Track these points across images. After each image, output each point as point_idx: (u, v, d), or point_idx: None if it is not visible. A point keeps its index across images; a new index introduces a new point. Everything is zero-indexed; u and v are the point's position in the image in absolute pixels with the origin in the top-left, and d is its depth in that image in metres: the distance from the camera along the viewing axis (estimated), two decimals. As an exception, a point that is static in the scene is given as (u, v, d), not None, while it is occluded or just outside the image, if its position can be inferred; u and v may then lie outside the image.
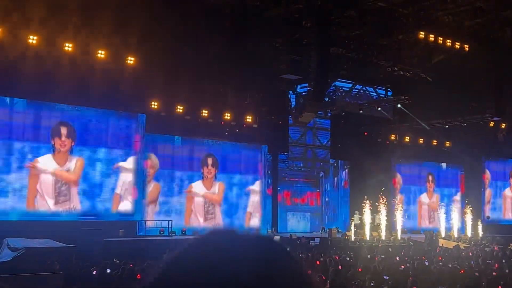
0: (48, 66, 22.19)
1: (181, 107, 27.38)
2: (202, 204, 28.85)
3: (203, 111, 28.16)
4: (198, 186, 28.80)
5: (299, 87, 31.92)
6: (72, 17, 21.73)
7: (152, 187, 27.50)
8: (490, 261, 18.94)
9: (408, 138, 35.91)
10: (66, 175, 24.50)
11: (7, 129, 23.41)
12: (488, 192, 40.16)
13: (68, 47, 22.55)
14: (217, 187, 29.36)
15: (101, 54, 23.42)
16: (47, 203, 23.87)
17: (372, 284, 12.12)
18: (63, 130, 24.53)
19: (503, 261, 19.37)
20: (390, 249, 24.61)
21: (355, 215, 29.90)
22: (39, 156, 23.88)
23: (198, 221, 28.54)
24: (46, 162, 24.03)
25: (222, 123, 29.16)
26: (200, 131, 28.37)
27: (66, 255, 18.86)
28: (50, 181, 24.10)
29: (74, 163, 24.67)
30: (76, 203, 24.48)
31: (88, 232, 22.38)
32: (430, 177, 38.43)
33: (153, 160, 27.58)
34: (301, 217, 34.80)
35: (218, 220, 28.95)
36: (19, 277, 16.38)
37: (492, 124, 33.22)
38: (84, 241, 20.72)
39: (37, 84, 22.42)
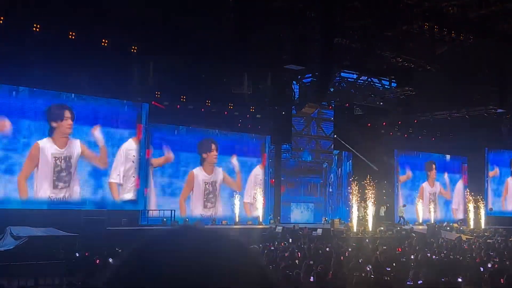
0: (51, 54, 22.15)
1: (185, 97, 27.36)
2: (202, 191, 28.83)
3: (207, 101, 28.13)
4: (200, 172, 28.82)
5: (303, 77, 31.85)
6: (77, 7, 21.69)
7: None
8: (492, 253, 18.93)
9: (412, 129, 35.87)
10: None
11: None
12: (490, 183, 40.13)
13: (72, 35, 22.51)
14: (221, 174, 29.36)
15: (104, 42, 23.39)
16: (43, 189, 23.76)
17: (373, 275, 12.12)
18: (67, 114, 24.40)
19: (505, 253, 19.36)
20: (393, 241, 24.65)
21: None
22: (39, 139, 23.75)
23: (198, 208, 28.56)
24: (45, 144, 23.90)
25: (226, 113, 29.13)
26: (203, 121, 28.36)
27: (68, 244, 18.93)
28: (50, 165, 24.00)
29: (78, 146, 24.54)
30: (76, 191, 24.39)
31: (91, 221, 22.44)
32: (433, 166, 38.34)
33: (169, 154, 27.65)
34: (304, 207, 34.83)
35: (217, 209, 28.96)
36: (22, 265, 16.44)
37: (495, 115, 33.16)
38: (86, 230, 20.80)
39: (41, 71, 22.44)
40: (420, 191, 37.15)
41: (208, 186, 28.93)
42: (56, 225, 20.77)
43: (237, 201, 28.71)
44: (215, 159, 29.14)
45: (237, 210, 28.62)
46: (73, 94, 24.48)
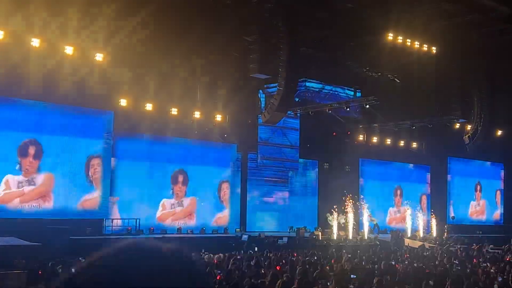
0: (14, 62, 21.83)
1: (150, 105, 27.18)
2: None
3: (172, 109, 27.99)
4: (168, 203, 28.78)
5: (268, 86, 31.96)
6: (39, 12, 21.41)
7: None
8: (455, 261, 19.20)
9: (376, 138, 36.26)
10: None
11: None
12: (452, 192, 40.79)
13: (35, 42, 22.20)
14: (189, 202, 29.35)
15: (68, 50, 23.11)
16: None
17: (339, 283, 12.20)
18: (31, 150, 24.13)
19: (466, 261, 19.66)
20: (358, 251, 24.82)
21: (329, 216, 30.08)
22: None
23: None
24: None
25: (192, 121, 29.05)
26: (169, 129, 28.19)
27: (30, 254, 18.58)
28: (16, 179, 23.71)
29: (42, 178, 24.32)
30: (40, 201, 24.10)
31: (54, 230, 22.10)
32: (398, 192, 38.89)
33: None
34: (270, 216, 34.81)
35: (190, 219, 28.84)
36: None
37: (457, 125, 33.74)
38: (49, 239, 20.46)
39: (2, 80, 22.07)
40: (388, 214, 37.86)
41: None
42: (19, 235, 20.39)
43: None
44: (184, 191, 29.15)
45: (203, 219, 28.53)
46: (37, 102, 24.12)
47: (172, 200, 28.87)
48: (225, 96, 29.43)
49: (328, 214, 30.02)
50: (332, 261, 18.04)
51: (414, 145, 37.77)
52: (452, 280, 11.50)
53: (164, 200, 28.58)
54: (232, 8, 24.30)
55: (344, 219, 29.47)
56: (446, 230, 32.99)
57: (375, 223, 34.19)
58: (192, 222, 28.95)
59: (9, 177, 23.49)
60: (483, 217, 42.42)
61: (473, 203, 42.26)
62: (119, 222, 26.30)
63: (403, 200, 38.55)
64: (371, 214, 34.67)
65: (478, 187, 42.80)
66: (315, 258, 18.94)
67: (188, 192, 29.39)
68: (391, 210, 38.35)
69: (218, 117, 29.56)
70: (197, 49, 25.40)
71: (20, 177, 23.83)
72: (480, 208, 42.57)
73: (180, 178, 29.21)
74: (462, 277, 12.21)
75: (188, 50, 25.38)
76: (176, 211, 28.86)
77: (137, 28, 23.15)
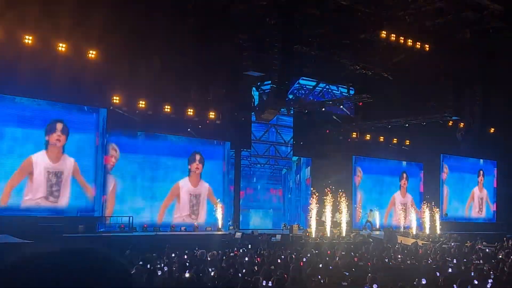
0: (8, 59, 21.76)
1: (143, 102, 27.14)
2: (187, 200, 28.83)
3: (166, 106, 27.96)
4: (185, 183, 28.71)
5: (262, 84, 31.99)
6: (32, 8, 21.33)
7: (111, 183, 27.16)
8: (448, 258, 19.29)
9: (369, 136, 36.32)
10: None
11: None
12: (445, 189, 40.90)
13: (28, 39, 22.15)
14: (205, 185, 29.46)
15: (62, 47, 23.05)
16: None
17: (332, 280, 12.23)
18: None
19: (459, 258, 19.74)
20: (352, 246, 24.88)
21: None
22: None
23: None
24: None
25: (185, 118, 29.03)
26: (162, 126, 28.16)
27: (23, 251, 18.50)
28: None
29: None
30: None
31: (47, 228, 22.04)
32: (404, 175, 38.74)
33: (115, 150, 27.21)
34: (263, 213, 34.89)
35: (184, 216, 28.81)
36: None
37: (451, 123, 33.84)
38: (42, 237, 20.39)
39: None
40: (391, 200, 37.60)
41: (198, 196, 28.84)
42: (11, 233, 20.34)
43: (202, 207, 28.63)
44: (201, 169, 29.28)
45: (196, 217, 28.50)
46: (30, 100, 24.07)
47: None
48: (218, 94, 29.40)
49: (325, 210, 30.04)
50: (326, 258, 18.09)
51: (407, 142, 37.86)
52: (445, 277, 11.56)
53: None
54: (226, 5, 24.28)
55: (338, 216, 29.50)
56: (439, 227, 33.10)
57: (369, 220, 34.30)
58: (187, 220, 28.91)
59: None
60: (476, 214, 42.54)
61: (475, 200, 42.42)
62: (113, 219, 26.22)
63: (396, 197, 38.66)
64: (370, 210, 34.76)
65: (480, 183, 42.94)
66: (308, 255, 18.98)
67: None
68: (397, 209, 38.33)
69: (212, 115, 29.53)
70: (191, 47, 25.33)
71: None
72: (474, 205, 42.70)
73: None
74: (455, 274, 12.27)
75: (182, 47, 25.32)
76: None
77: (131, 25, 23.11)
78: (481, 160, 43.13)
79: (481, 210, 42.73)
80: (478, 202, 42.69)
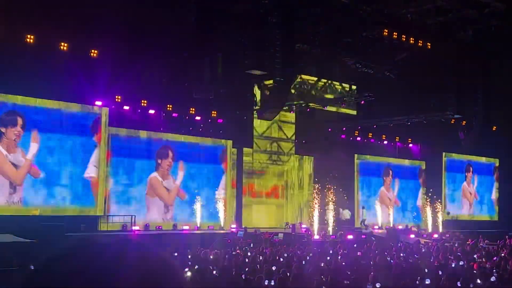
0: (9, 57, 21.76)
1: (145, 102, 27.15)
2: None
3: (168, 105, 27.95)
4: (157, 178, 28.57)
5: (264, 82, 31.93)
6: (34, 8, 21.36)
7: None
8: (450, 257, 19.26)
9: (371, 134, 36.32)
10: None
11: None
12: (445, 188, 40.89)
13: (30, 38, 22.16)
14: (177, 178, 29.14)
15: (63, 46, 23.06)
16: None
17: (334, 278, 12.22)
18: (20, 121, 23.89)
19: (462, 256, 19.71)
20: (355, 245, 24.87)
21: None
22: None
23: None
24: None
25: (187, 117, 29.01)
26: (164, 125, 28.16)
27: (26, 250, 18.52)
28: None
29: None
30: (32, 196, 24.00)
31: (49, 227, 22.02)
32: (390, 172, 38.74)
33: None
34: (266, 211, 34.80)
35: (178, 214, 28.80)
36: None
37: (453, 121, 33.79)
38: (45, 236, 20.38)
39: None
40: (380, 195, 37.55)
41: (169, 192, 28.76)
42: (14, 232, 20.36)
43: (198, 206, 28.58)
44: (171, 165, 28.85)
45: (198, 215, 28.46)
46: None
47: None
48: (220, 93, 29.37)
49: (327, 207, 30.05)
50: (328, 257, 18.09)
51: (409, 141, 37.85)
52: (447, 275, 11.55)
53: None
54: (227, 4, 24.26)
55: (343, 214, 29.55)
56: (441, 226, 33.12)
57: (364, 217, 34.41)
58: (187, 218, 28.87)
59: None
60: (477, 213, 42.49)
61: (467, 197, 42.32)
62: (115, 218, 26.23)
63: (397, 196, 38.67)
64: (363, 207, 34.89)
65: (475, 182, 42.86)
66: (311, 254, 18.97)
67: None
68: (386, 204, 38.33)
69: (214, 114, 29.52)
70: (191, 45, 25.31)
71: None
72: (475, 202, 42.66)
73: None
74: (458, 272, 12.26)
75: (183, 45, 25.31)
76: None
77: (131, 23, 23.11)
78: (483, 158, 43.03)
79: (471, 205, 42.57)
80: (468, 197, 42.48)
